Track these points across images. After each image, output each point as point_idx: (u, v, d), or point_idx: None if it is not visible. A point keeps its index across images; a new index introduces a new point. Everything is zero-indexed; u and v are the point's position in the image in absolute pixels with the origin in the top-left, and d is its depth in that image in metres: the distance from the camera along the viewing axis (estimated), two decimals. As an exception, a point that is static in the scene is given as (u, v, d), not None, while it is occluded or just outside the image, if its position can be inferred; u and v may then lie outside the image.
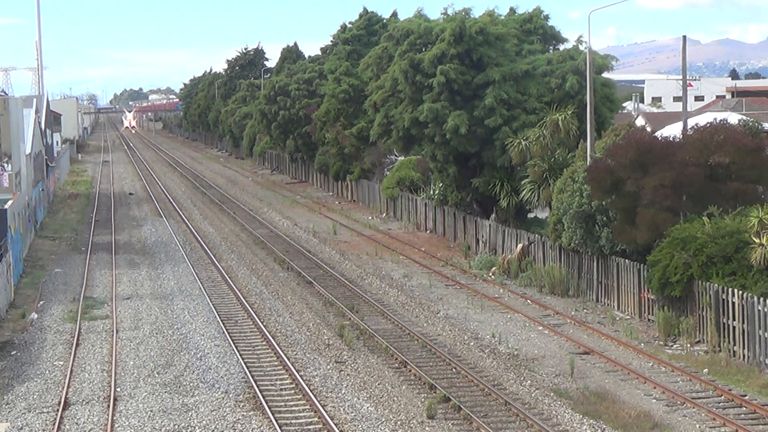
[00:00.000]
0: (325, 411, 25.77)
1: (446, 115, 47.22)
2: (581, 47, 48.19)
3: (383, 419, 25.49)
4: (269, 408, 26.16)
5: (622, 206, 35.45)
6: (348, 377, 29.34)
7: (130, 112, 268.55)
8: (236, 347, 32.67)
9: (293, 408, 26.57)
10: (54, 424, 25.65)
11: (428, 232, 59.07)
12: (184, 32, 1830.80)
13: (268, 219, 67.66)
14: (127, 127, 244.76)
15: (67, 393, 28.14)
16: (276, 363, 31.03)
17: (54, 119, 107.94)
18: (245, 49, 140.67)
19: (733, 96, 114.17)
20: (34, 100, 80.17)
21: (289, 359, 30.97)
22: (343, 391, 27.90)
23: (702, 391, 27.39)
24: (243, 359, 31.08)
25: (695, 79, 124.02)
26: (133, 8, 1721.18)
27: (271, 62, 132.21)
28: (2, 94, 71.19)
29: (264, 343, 33.66)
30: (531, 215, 50.57)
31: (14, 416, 26.55)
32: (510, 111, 46.95)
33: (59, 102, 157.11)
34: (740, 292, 30.03)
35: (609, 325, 35.25)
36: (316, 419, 25.58)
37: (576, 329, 34.99)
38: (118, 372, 30.37)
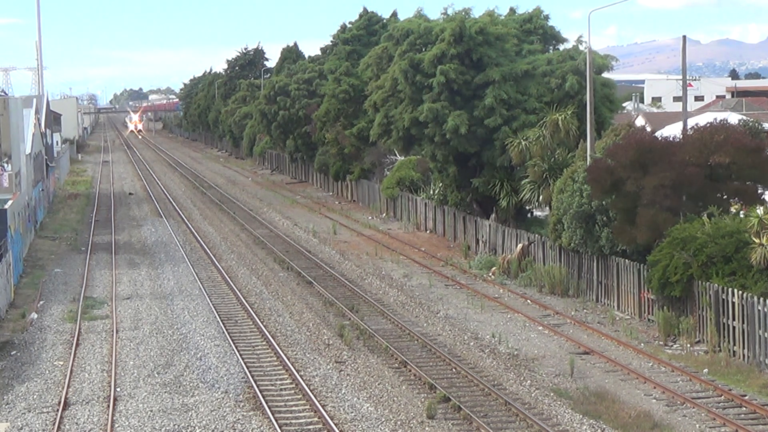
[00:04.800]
0: (325, 411, 25.77)
1: (446, 115, 47.23)
2: (581, 47, 48.21)
3: (383, 419, 25.49)
4: (269, 408, 26.16)
5: (622, 206, 35.45)
6: (348, 377, 29.34)
7: (135, 112, 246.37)
8: (236, 347, 32.67)
9: (293, 408, 26.57)
10: (54, 424, 25.65)
11: (428, 232, 59.07)
12: (184, 32, 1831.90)
13: (268, 219, 67.66)
14: (132, 131, 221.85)
15: (67, 393, 28.14)
16: (276, 363, 31.03)
17: (54, 119, 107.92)
18: (245, 49, 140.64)
19: (733, 96, 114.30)
20: (34, 100, 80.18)
21: (289, 359, 30.97)
22: (343, 391, 27.90)
23: (702, 391, 27.39)
24: (243, 359, 31.08)
25: (695, 79, 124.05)
26: (133, 8, 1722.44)
27: (271, 62, 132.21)
28: (2, 94, 71.18)
29: (264, 343, 33.66)
30: (531, 215, 50.60)
31: (14, 416, 26.56)
32: (510, 111, 46.95)
33: (59, 102, 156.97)
34: (740, 292, 30.03)
35: (609, 325, 35.25)
36: (316, 419, 25.58)
37: (576, 329, 34.99)
38: (118, 372, 30.37)
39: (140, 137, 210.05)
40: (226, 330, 35.22)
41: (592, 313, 37.34)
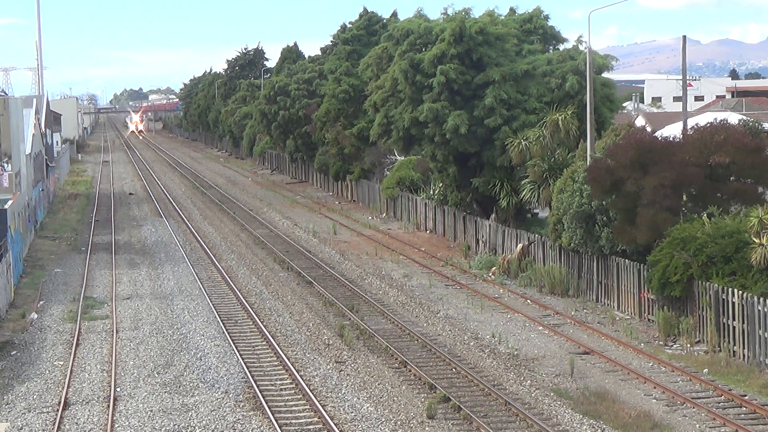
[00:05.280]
0: (325, 411, 25.77)
1: (446, 115, 47.23)
2: (581, 47, 48.21)
3: (383, 419, 25.49)
4: (269, 408, 26.16)
5: (622, 206, 35.45)
6: (348, 377, 29.34)
7: (135, 112, 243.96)
8: (236, 347, 32.67)
9: (293, 408, 26.57)
10: (54, 424, 25.65)
11: (428, 232, 59.07)
12: (184, 32, 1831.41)
13: (268, 219, 67.65)
14: (133, 132, 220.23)
15: (67, 393, 28.14)
16: (276, 363, 31.03)
17: (54, 119, 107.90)
18: (245, 49, 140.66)
19: (733, 96, 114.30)
20: (34, 100, 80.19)
21: (289, 359, 30.97)
22: (343, 391, 27.90)
23: (702, 391, 27.40)
24: (243, 359, 31.08)
25: (695, 79, 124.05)
26: (133, 8, 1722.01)
27: (271, 62, 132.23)
28: (2, 94, 71.17)
29: (264, 343, 33.66)
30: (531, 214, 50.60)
31: (14, 416, 26.56)
32: (510, 111, 46.95)
33: (59, 102, 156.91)
34: (740, 292, 30.03)
35: (609, 325, 35.25)
36: (316, 419, 25.59)
37: (576, 329, 34.99)
38: (118, 372, 30.37)
39: (141, 137, 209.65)
40: (226, 330, 35.22)
41: (592, 313, 37.34)
